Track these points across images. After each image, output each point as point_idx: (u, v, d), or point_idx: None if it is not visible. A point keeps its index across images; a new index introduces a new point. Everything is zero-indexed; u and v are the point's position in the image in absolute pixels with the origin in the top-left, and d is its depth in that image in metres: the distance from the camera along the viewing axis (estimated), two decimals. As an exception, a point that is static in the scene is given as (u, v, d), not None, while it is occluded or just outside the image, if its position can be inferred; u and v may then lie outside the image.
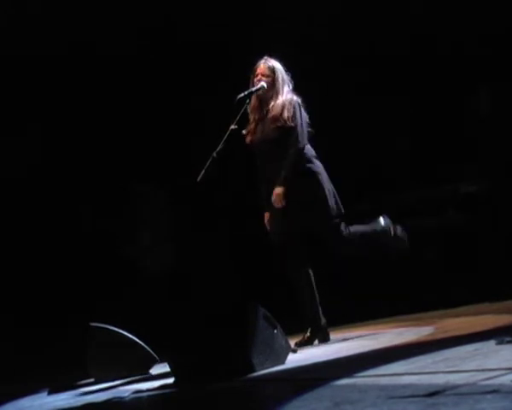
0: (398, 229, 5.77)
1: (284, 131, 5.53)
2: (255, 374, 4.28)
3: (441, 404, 2.42)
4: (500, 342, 3.42)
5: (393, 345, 4.74)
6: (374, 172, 8.14)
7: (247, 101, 5.61)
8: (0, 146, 8.78)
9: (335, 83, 7.65)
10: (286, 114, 5.52)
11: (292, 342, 5.17)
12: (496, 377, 2.65)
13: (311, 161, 5.57)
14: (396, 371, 3.35)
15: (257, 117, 5.67)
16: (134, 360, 6.08)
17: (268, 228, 5.68)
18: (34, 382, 6.96)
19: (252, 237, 7.53)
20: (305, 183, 5.53)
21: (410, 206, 7.92)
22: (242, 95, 5.60)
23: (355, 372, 3.50)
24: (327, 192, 5.53)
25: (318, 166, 5.59)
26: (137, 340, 6.17)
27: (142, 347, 6.14)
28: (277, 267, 5.87)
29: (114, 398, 4.81)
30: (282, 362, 4.52)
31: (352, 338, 5.72)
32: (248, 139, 5.67)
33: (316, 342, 5.57)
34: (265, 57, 5.69)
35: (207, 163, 5.46)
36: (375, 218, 5.72)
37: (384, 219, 5.73)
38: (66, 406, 5.12)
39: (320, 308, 5.61)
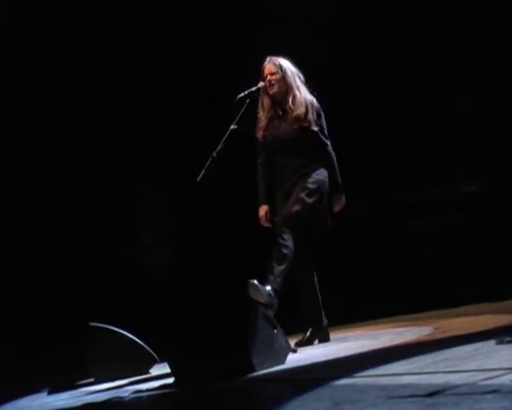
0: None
1: (307, 133, 5.52)
2: (255, 374, 4.28)
3: (441, 404, 2.41)
4: (500, 342, 3.42)
5: (393, 345, 4.74)
6: (374, 173, 8.14)
7: (248, 101, 5.61)
8: (0, 146, 8.78)
9: (335, 83, 7.65)
10: (310, 116, 5.52)
11: (292, 342, 5.17)
12: (496, 377, 2.65)
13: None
14: (396, 371, 3.35)
15: (270, 115, 5.65)
16: (134, 360, 6.08)
17: (264, 223, 5.67)
18: (34, 382, 6.96)
19: (252, 236, 7.53)
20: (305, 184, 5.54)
21: (410, 206, 7.92)
22: (242, 95, 5.60)
23: (355, 372, 3.50)
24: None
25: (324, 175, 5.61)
26: (137, 340, 6.17)
27: (142, 347, 6.14)
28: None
29: (114, 398, 4.81)
30: (282, 362, 4.52)
31: (352, 338, 5.72)
32: (260, 134, 5.66)
33: (316, 342, 5.58)
34: (269, 57, 5.68)
35: (207, 163, 5.46)
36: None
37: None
38: (66, 406, 5.12)
39: (322, 309, 5.62)
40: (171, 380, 4.68)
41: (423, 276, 7.47)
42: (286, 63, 5.64)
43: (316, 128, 5.52)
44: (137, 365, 6.07)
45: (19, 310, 8.47)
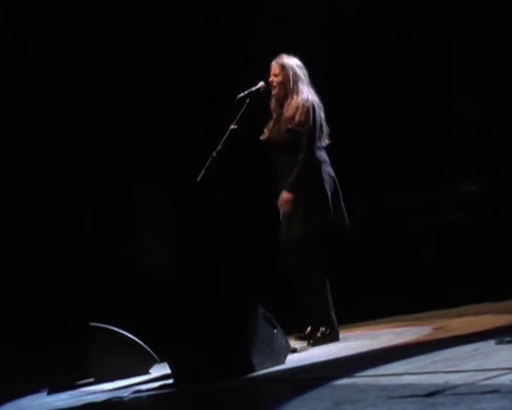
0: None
1: (296, 134, 5.51)
2: (255, 374, 4.28)
3: (441, 404, 2.42)
4: (500, 342, 3.42)
5: (393, 345, 4.74)
6: (374, 173, 8.14)
7: (247, 101, 5.61)
8: (0, 145, 8.78)
9: (335, 82, 7.64)
10: (297, 118, 5.50)
11: (292, 342, 5.16)
12: (495, 377, 2.65)
13: (316, 168, 5.56)
14: (396, 371, 3.35)
15: (275, 117, 5.67)
16: (134, 360, 6.08)
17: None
18: (34, 382, 6.96)
19: (252, 236, 7.54)
20: (303, 190, 5.53)
21: (410, 206, 7.92)
22: (242, 95, 5.61)
23: (355, 372, 3.50)
24: (327, 202, 5.52)
25: (321, 175, 5.57)
26: (137, 340, 6.17)
27: (142, 347, 6.14)
28: (277, 267, 5.86)
29: (114, 398, 4.81)
30: (282, 362, 4.52)
31: (351, 338, 5.72)
32: (264, 137, 5.68)
33: (311, 341, 5.52)
34: (279, 55, 5.67)
35: (207, 163, 5.46)
36: None
37: None
38: (66, 406, 5.12)
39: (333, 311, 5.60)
40: (171, 380, 4.68)
41: (423, 276, 7.47)
42: (291, 64, 5.62)
43: (302, 129, 5.50)
44: (137, 365, 6.07)
45: (19, 310, 8.47)
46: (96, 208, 9.04)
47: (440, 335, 4.92)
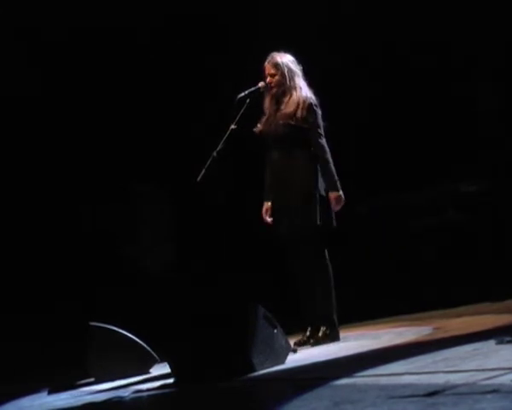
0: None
1: (295, 130, 5.53)
2: (255, 374, 4.28)
3: (441, 404, 2.41)
4: (500, 342, 3.42)
5: (393, 345, 4.74)
6: (374, 172, 8.14)
7: (247, 101, 5.62)
8: (1, 145, 8.78)
9: (335, 82, 7.65)
10: (300, 114, 5.53)
11: (291, 343, 5.16)
12: (495, 376, 2.65)
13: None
14: (396, 371, 3.35)
15: (269, 112, 5.69)
16: (134, 360, 6.08)
17: (265, 219, 5.69)
18: (34, 382, 6.96)
19: (252, 236, 7.53)
20: (303, 190, 5.54)
21: (410, 206, 7.92)
22: (242, 94, 5.61)
23: (355, 372, 3.50)
24: (321, 199, 5.53)
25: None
26: (137, 340, 6.17)
27: (142, 347, 6.14)
28: (276, 268, 5.86)
29: (114, 398, 4.80)
30: (282, 362, 4.52)
31: (351, 338, 5.72)
32: (257, 129, 5.69)
33: (311, 341, 5.53)
34: (271, 54, 5.68)
35: (207, 163, 5.46)
36: None
37: None
38: (66, 406, 5.12)
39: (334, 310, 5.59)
40: (171, 380, 4.67)
41: (423, 276, 7.47)
42: (285, 61, 5.64)
43: (305, 125, 5.52)
44: (137, 365, 6.07)
45: (19, 310, 8.47)
46: (96, 208, 9.05)
47: (440, 335, 4.92)
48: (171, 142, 8.81)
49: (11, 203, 8.81)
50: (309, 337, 5.54)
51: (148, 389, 4.79)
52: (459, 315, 5.99)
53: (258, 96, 5.70)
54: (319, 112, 5.61)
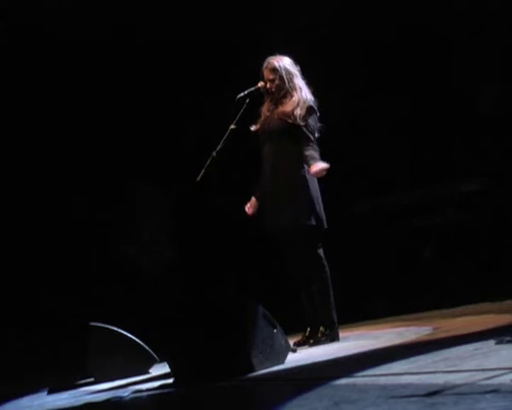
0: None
1: (291, 127, 5.53)
2: (255, 374, 4.27)
3: (441, 404, 2.41)
4: (500, 342, 3.41)
5: (393, 345, 4.74)
6: (374, 172, 8.14)
7: (247, 101, 5.62)
8: (1, 144, 8.79)
9: (335, 82, 7.65)
10: (298, 112, 5.54)
11: (291, 343, 5.16)
12: (496, 376, 2.65)
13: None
14: (396, 371, 3.34)
15: (267, 112, 5.69)
16: (134, 360, 6.08)
17: (248, 211, 5.71)
18: (34, 382, 6.96)
19: (252, 236, 7.53)
20: (294, 185, 5.53)
21: (410, 206, 7.92)
22: (242, 95, 5.61)
23: (355, 372, 3.49)
24: (312, 199, 5.52)
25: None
26: (137, 340, 6.17)
27: (142, 347, 6.14)
28: (276, 267, 5.86)
29: (114, 398, 4.80)
30: (282, 362, 4.52)
31: (351, 338, 5.71)
32: (254, 128, 5.70)
33: (310, 341, 5.53)
34: (267, 59, 5.68)
35: (207, 163, 5.46)
36: None
37: None
38: (67, 406, 5.12)
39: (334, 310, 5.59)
40: (171, 380, 4.67)
41: (423, 276, 7.47)
42: (282, 64, 5.64)
43: (301, 123, 5.51)
44: (137, 365, 6.07)
45: (19, 310, 8.47)
46: (95, 207, 9.04)
47: (440, 335, 4.92)
48: (170, 141, 8.81)
49: (11, 204, 8.81)
50: (308, 337, 5.54)
51: (147, 389, 4.79)
52: (459, 315, 5.99)
53: (257, 96, 5.70)
54: (316, 116, 5.62)
